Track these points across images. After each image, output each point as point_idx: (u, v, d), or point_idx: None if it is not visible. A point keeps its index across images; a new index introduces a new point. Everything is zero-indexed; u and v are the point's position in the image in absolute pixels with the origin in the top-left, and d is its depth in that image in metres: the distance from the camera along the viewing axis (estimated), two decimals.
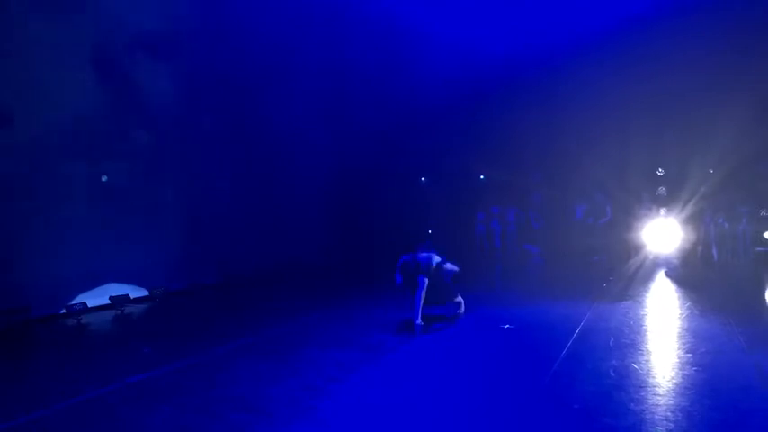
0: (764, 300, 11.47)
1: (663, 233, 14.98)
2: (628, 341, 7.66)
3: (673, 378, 6.15)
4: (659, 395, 5.57)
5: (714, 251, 15.66)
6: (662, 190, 17.06)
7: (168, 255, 12.70)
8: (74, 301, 10.70)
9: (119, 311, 10.97)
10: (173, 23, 12.93)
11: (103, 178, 11.62)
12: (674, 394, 5.61)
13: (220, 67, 13.97)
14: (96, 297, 11.16)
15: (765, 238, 15.69)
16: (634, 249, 15.78)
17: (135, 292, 11.86)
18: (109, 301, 11.25)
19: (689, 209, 15.12)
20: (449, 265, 9.39)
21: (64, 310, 10.46)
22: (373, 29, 17.66)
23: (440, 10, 18.07)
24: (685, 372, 6.33)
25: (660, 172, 18.08)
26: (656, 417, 5.03)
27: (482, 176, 20.99)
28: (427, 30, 18.02)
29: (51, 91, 10.65)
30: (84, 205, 11.22)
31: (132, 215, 12.08)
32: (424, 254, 9.18)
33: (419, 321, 8.74)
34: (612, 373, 6.24)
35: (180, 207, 13.08)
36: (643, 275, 13.62)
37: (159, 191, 12.69)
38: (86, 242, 11.18)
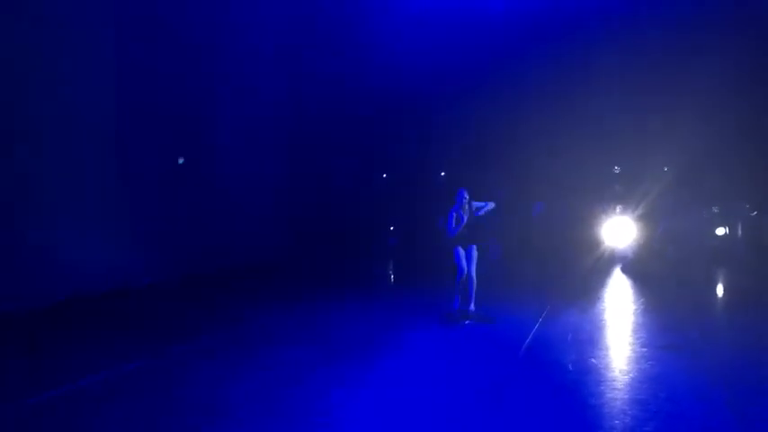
0: (717, 294, 11.81)
1: (619, 230, 15.28)
2: (586, 336, 7.76)
3: (629, 372, 6.26)
4: (617, 389, 5.64)
5: (669, 247, 16.03)
6: (617, 188, 17.40)
7: (130, 252, 12.28)
8: (37, 295, 10.23)
9: (80, 307, 10.58)
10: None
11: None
12: (630, 388, 5.70)
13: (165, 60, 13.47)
14: (58, 291, 10.74)
15: (717, 235, 16.16)
16: (591, 245, 16.04)
17: (97, 286, 11.44)
18: (67, 298, 10.84)
19: (644, 205, 15.44)
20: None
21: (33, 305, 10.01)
22: (335, 19, 17.56)
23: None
24: (641, 366, 6.45)
25: (617, 169, 18.45)
26: (615, 411, 5.10)
27: (443, 173, 21.09)
28: (390, 24, 17.96)
29: None
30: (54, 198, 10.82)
31: (94, 211, 11.68)
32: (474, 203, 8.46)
33: (472, 307, 8.64)
34: (571, 368, 6.30)
35: (145, 204, 12.68)
36: (600, 271, 13.86)
37: (120, 188, 12.28)
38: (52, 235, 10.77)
